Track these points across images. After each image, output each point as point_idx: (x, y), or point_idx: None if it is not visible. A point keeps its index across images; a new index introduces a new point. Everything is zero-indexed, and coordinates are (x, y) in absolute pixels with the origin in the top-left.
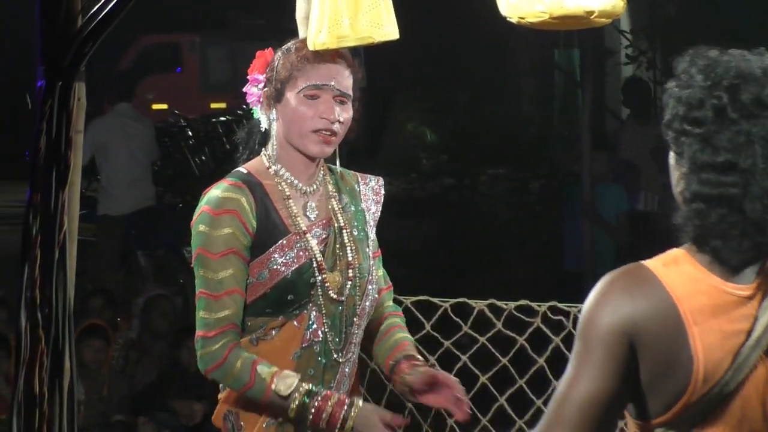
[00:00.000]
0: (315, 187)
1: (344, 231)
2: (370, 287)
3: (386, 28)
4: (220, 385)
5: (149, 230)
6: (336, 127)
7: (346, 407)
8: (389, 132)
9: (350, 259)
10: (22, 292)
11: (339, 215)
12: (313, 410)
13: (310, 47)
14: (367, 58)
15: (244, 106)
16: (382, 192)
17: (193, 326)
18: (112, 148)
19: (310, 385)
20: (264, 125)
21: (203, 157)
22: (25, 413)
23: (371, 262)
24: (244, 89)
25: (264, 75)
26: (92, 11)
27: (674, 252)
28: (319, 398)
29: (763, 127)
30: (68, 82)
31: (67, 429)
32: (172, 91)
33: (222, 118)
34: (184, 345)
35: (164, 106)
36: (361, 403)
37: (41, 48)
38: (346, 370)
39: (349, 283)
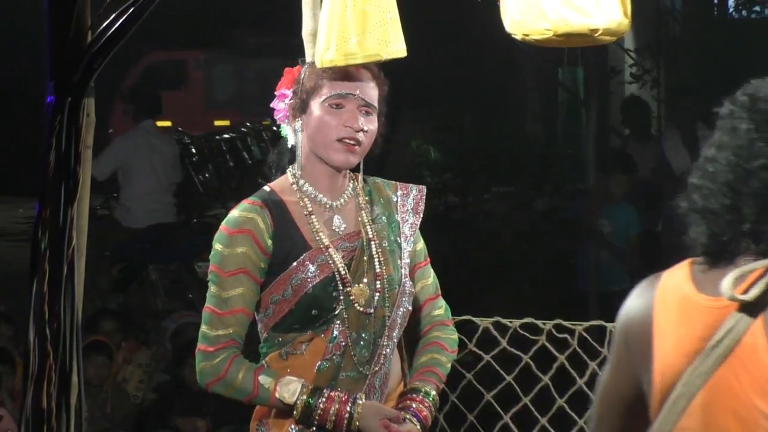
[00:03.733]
0: (343, 200)
1: (372, 243)
2: (402, 299)
3: (394, 46)
4: None
5: (162, 245)
6: (360, 136)
7: (350, 405)
8: (393, 149)
9: (378, 270)
10: (31, 307)
11: (368, 227)
12: (319, 411)
13: (318, 64)
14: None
15: (248, 124)
16: (423, 202)
17: (194, 343)
18: (135, 166)
19: (310, 388)
20: (291, 141)
21: (207, 174)
22: (33, 429)
23: (403, 273)
24: (272, 105)
25: (291, 89)
26: (101, 27)
27: (687, 260)
28: (324, 398)
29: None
30: (78, 97)
31: None
32: (177, 108)
33: (226, 136)
34: (187, 362)
35: (168, 123)
36: (363, 400)
37: (50, 64)
38: (376, 383)
39: (377, 294)
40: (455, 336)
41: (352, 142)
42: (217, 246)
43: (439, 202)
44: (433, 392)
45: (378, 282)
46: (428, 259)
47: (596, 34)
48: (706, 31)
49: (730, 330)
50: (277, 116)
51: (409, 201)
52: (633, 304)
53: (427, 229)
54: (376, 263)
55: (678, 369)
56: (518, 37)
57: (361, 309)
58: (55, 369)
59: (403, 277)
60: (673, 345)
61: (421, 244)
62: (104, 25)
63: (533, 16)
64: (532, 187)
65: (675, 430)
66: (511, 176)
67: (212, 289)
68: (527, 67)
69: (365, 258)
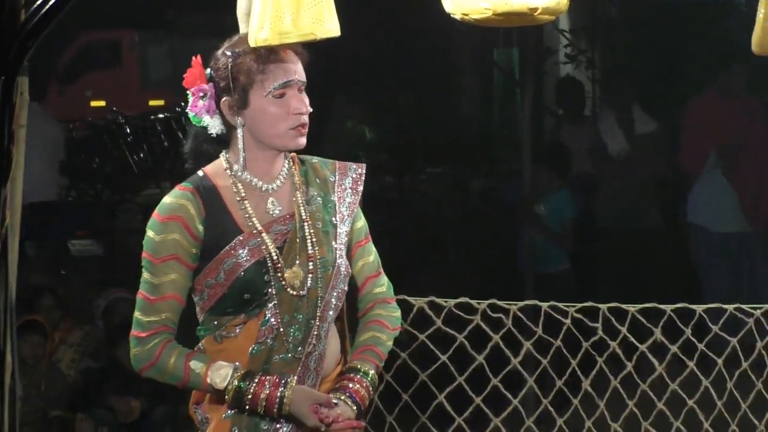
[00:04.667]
0: (278, 183)
1: (306, 224)
2: (337, 280)
3: (328, 25)
4: None
5: (41, 222)
6: (306, 118)
7: (280, 389)
8: (329, 130)
9: (311, 251)
10: None
11: (302, 208)
12: (250, 396)
13: (252, 44)
14: (308, 57)
15: (183, 104)
16: (362, 180)
17: (127, 321)
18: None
19: (241, 372)
20: (214, 131)
21: (141, 155)
22: None
23: (338, 254)
24: (191, 103)
25: (209, 84)
26: (35, 6)
27: None
28: (255, 383)
29: None
30: (11, 76)
31: (8, 423)
32: (111, 88)
33: (160, 116)
34: (121, 342)
35: (102, 103)
36: (294, 383)
37: None
38: (311, 364)
39: (311, 276)
40: (398, 314)
41: (302, 127)
42: (149, 233)
43: (375, 182)
44: (372, 372)
45: (311, 263)
46: (369, 237)
47: (536, 13)
48: (642, 12)
49: None
50: (196, 111)
51: (347, 180)
52: None
53: (362, 208)
54: (309, 245)
55: None
56: (457, 16)
57: (294, 293)
58: None
59: (337, 258)
60: None
61: (361, 223)
62: (38, 3)
63: None
64: (467, 167)
65: None
66: (446, 157)
67: (145, 275)
68: (463, 47)
69: (298, 239)
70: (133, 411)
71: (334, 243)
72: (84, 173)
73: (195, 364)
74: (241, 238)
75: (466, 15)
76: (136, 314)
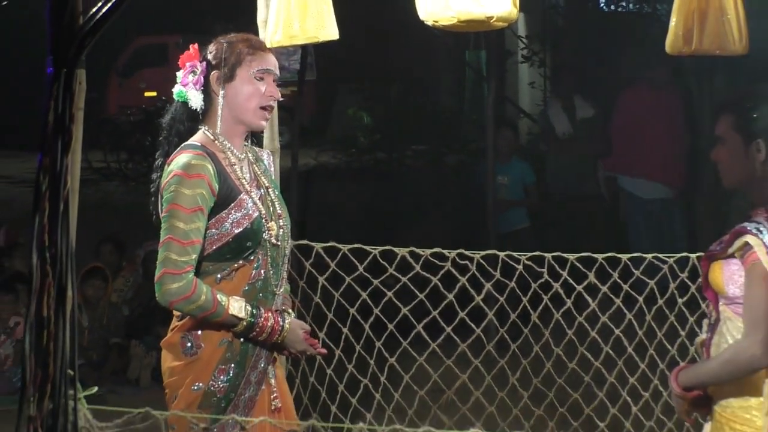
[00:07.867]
0: (244, 155)
1: (269, 190)
2: (289, 237)
3: (328, 30)
4: (177, 315)
5: None
6: (274, 104)
7: (281, 320)
8: (334, 116)
9: (279, 211)
10: (34, 237)
11: (262, 178)
12: (257, 328)
13: (268, 44)
14: (318, 57)
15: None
16: (271, 162)
17: None
18: None
19: (250, 306)
20: (195, 105)
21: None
22: (35, 332)
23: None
24: (183, 77)
25: (201, 63)
26: (91, 12)
27: None
28: (261, 318)
29: None
30: (71, 69)
31: (69, 345)
32: (161, 81)
33: None
34: None
35: (154, 94)
36: (289, 317)
37: (50, 42)
38: (278, 302)
39: (282, 231)
40: None
41: (269, 110)
42: (175, 187)
43: (370, 157)
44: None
45: (281, 220)
46: None
47: (492, 20)
48: (583, 21)
49: None
50: (185, 83)
51: (267, 163)
52: None
53: (359, 178)
54: (277, 206)
55: None
56: (429, 23)
57: (275, 241)
58: (53, 285)
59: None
60: None
61: None
62: (93, 10)
63: (441, 7)
64: (444, 145)
65: None
66: (427, 137)
67: (173, 222)
68: (441, 49)
69: (269, 202)
70: None
71: (286, 206)
72: (139, 149)
73: (221, 297)
74: (242, 196)
75: (436, 22)
76: (169, 255)
